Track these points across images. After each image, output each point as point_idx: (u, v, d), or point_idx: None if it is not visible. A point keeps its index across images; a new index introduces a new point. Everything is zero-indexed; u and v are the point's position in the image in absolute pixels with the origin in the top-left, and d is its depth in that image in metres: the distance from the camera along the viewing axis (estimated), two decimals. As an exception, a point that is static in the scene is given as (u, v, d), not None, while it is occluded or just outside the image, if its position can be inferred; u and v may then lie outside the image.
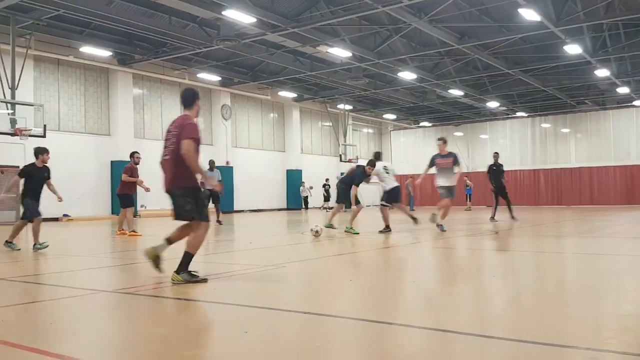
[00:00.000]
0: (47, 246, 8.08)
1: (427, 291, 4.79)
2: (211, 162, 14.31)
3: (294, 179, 30.68)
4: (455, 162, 10.40)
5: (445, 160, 10.47)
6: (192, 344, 3.04)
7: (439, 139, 11.02)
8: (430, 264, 6.90)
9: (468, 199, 26.95)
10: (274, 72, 25.13)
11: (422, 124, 38.75)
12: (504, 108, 33.57)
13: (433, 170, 10.67)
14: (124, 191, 11.15)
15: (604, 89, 28.51)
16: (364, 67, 23.15)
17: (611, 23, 18.89)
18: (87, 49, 19.71)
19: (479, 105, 32.44)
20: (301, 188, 30.00)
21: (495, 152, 15.58)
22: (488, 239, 9.84)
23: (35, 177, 8.29)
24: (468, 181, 26.50)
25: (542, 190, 29.39)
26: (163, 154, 5.05)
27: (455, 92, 28.16)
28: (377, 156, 10.65)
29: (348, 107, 33.40)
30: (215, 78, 24.90)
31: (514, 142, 31.25)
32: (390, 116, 37.47)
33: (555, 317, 3.51)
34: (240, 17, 15.86)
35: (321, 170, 33.07)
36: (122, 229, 11.16)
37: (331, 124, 34.65)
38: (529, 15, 16.03)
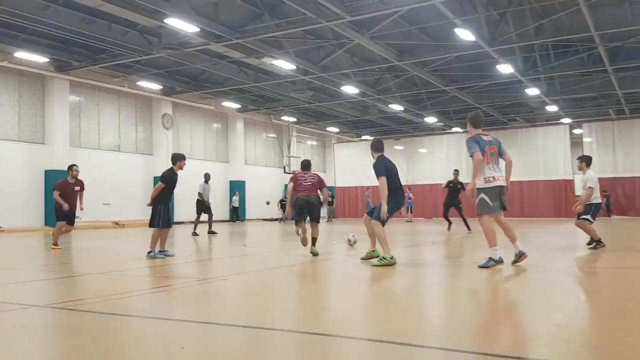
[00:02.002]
0: None
1: (366, 303, 4.92)
2: (206, 175, 16.38)
3: (237, 190, 30.47)
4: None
5: None
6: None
7: None
8: (373, 276, 7.06)
9: (409, 211, 27.66)
10: (217, 82, 24.99)
11: (364, 137, 39.46)
12: (441, 123, 34.73)
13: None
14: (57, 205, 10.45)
15: (534, 107, 30.02)
16: (308, 80, 23.42)
17: (541, 44, 20.00)
18: (22, 55, 18.92)
19: (418, 120, 33.43)
20: (234, 198, 29.77)
21: (456, 170, 16.60)
22: (429, 250, 10.16)
23: None
24: (410, 194, 27.27)
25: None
26: None
27: (396, 107, 28.91)
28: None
29: (292, 119, 33.62)
30: (156, 86, 24.46)
31: (450, 156, 32.28)
32: (334, 129, 37.98)
33: (487, 327, 3.70)
34: (183, 26, 15.71)
35: (265, 182, 33.05)
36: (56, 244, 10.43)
37: (275, 136, 34.73)
38: (465, 35, 16.76)
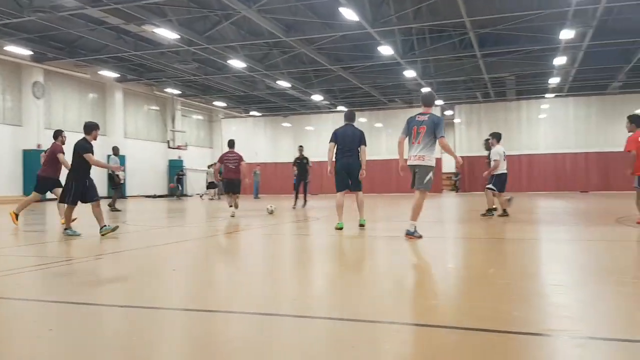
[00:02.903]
0: None
1: (250, 277, 5.13)
2: (115, 149, 16.09)
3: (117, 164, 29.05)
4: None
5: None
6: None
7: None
8: (256, 250, 7.30)
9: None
10: (94, 49, 23.53)
11: (252, 113, 39.35)
12: (327, 102, 35.61)
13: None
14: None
15: (411, 88, 31.71)
16: (193, 51, 22.84)
17: (418, 28, 21.18)
18: None
19: (305, 98, 33.97)
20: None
21: (300, 146, 17.03)
22: (316, 223, 10.59)
23: None
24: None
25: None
26: None
27: (283, 84, 29.15)
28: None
29: (177, 91, 32.61)
30: (26, 52, 22.49)
31: (336, 134, 33.21)
32: (221, 104, 37.42)
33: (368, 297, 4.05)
34: (55, -14, 14.68)
35: (147, 157, 31.89)
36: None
37: (158, 109, 33.53)
38: (349, 14, 17.31)
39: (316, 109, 37.95)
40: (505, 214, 10.44)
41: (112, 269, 5.27)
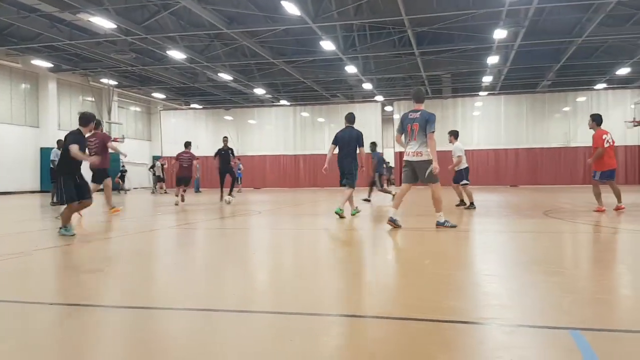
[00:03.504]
0: None
1: (189, 273, 5.11)
2: (59, 142, 15.08)
3: (49, 158, 27.89)
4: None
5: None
6: None
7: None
8: (194, 245, 7.24)
9: (238, 181, 28.03)
10: (26, 37, 22.39)
11: (193, 105, 38.63)
12: (270, 96, 35.49)
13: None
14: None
15: (353, 84, 32.14)
16: (130, 41, 22.17)
17: (359, 25, 21.49)
18: None
19: (248, 91, 33.72)
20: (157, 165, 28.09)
21: (225, 137, 16.97)
22: (256, 219, 10.59)
23: None
24: (240, 164, 27.69)
25: (301, 173, 31.98)
26: None
27: (225, 76, 28.81)
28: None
29: (113, 82, 31.55)
30: (-52, 38, 21.19)
31: (278, 128, 33.22)
32: (160, 95, 36.52)
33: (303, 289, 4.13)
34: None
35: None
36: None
37: (94, 100, 32.33)
38: (291, 9, 17.33)
39: (259, 102, 37.75)
40: (463, 204, 11.61)
41: (39, 266, 5.12)
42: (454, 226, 7.32)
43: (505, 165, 30.05)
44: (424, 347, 2.51)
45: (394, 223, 7.26)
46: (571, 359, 2.33)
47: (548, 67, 27.51)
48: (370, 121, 31.56)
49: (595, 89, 29.99)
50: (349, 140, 9.04)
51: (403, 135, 7.41)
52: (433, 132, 7.07)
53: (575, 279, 4.00)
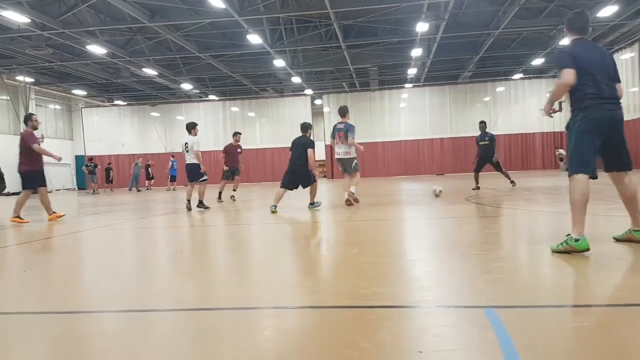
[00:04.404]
0: None
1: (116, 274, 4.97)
2: None
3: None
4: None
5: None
6: None
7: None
8: (119, 245, 7.06)
9: (172, 180, 27.41)
10: None
11: (116, 102, 37.27)
12: (198, 91, 34.84)
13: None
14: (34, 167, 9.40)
15: (282, 78, 32.16)
16: (47, 35, 21.10)
17: (286, 18, 21.49)
18: None
19: (174, 86, 32.94)
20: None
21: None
22: (186, 215, 10.41)
23: None
24: (174, 162, 27.10)
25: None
26: None
27: (150, 71, 28.00)
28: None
29: (30, 79, 29.90)
30: None
31: (207, 124, 32.76)
32: (81, 92, 34.97)
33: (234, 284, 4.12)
34: None
35: (-3, 150, 28.93)
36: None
37: (9, 98, 30.52)
38: (215, 1, 17.08)
39: (186, 97, 36.96)
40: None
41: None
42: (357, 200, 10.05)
43: (431, 154, 31.11)
44: (349, 334, 2.60)
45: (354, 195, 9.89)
46: (484, 334, 2.48)
47: (468, 59, 28.67)
48: (301, 115, 31.71)
49: (512, 79, 31.58)
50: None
51: (334, 140, 10.09)
52: (353, 137, 9.88)
53: (490, 260, 4.25)
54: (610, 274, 3.61)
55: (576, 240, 4.09)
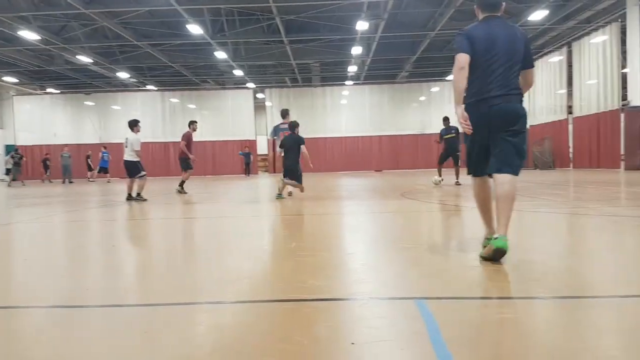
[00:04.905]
0: None
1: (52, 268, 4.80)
2: None
3: None
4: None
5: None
6: None
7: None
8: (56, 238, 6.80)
9: (100, 171, 26.51)
10: None
11: (49, 90, 35.60)
12: (135, 80, 33.81)
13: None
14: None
15: (224, 70, 31.72)
16: (-28, 19, 19.90)
17: (228, 9, 21.20)
18: None
19: (110, 75, 31.82)
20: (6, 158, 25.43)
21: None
22: (121, 209, 10.12)
23: None
24: (105, 153, 26.24)
25: (172, 162, 30.99)
26: None
27: (84, 59, 26.92)
28: None
29: (-48, 64, 28.08)
30: None
31: (145, 114, 31.81)
32: (12, 79, 33.15)
33: (184, 277, 4.07)
34: None
35: None
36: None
37: None
38: (153, -11, 16.67)
39: (123, 86, 35.78)
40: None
41: None
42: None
43: (370, 151, 31.64)
44: (284, 328, 2.64)
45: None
46: (414, 325, 2.58)
47: (406, 59, 29.31)
48: (243, 108, 31.42)
49: (447, 80, 32.55)
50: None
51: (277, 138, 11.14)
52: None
53: (422, 253, 4.41)
54: (534, 267, 3.83)
55: (487, 240, 4.05)
